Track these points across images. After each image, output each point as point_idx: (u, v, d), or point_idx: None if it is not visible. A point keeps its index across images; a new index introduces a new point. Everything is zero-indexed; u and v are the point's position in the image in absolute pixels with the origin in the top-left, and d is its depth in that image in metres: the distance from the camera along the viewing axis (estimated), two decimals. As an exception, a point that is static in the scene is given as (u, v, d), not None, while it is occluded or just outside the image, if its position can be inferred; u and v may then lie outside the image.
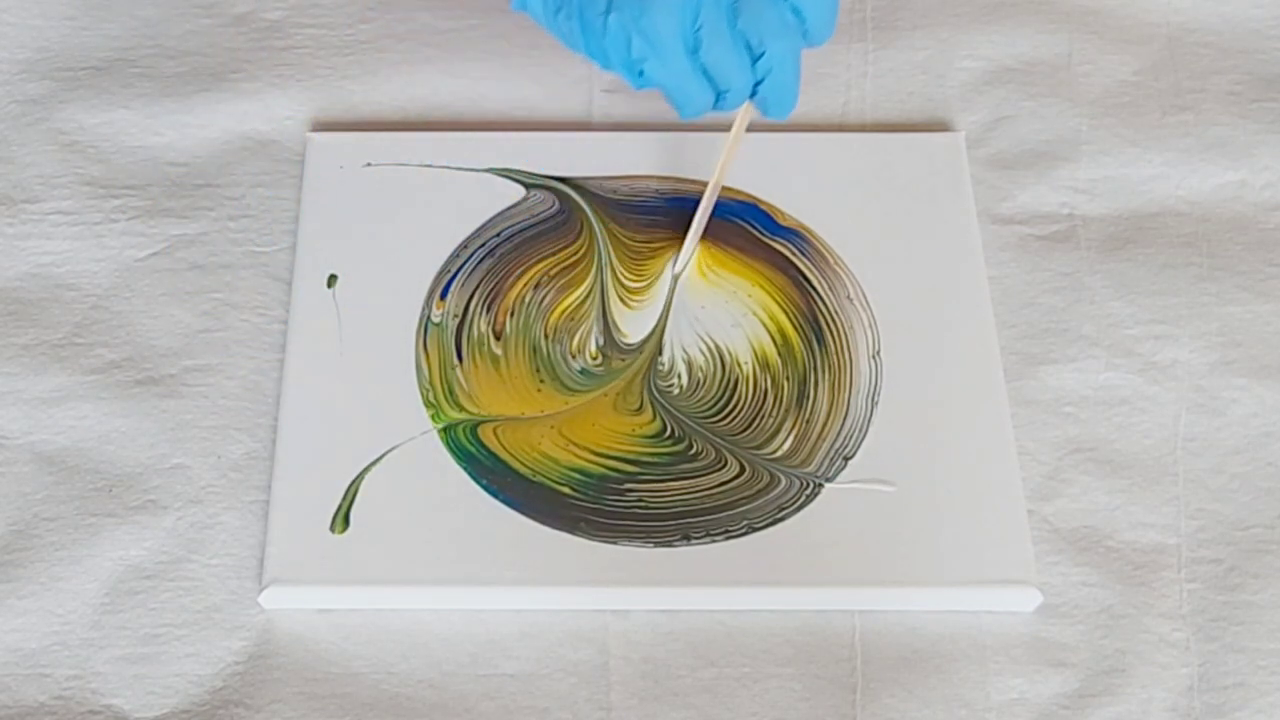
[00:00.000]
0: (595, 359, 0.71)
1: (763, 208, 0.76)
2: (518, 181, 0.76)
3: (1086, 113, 0.81)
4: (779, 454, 0.69)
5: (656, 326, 0.72)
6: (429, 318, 0.72)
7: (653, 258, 0.74)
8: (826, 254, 0.75)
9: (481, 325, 0.72)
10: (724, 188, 0.75)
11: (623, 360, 0.71)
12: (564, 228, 0.75)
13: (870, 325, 0.72)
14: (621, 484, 0.68)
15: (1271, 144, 0.79)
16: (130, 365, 0.72)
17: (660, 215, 0.75)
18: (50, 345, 0.72)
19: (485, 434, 0.69)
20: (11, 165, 0.77)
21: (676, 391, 0.71)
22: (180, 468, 0.69)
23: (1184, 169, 0.79)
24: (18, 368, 0.71)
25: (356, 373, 0.70)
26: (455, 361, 0.71)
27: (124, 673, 0.65)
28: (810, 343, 0.72)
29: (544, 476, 0.68)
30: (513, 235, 0.75)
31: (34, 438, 0.70)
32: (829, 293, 0.73)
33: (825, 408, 0.70)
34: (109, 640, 0.65)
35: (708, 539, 0.67)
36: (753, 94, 0.66)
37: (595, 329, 0.72)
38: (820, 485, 0.68)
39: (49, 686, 0.64)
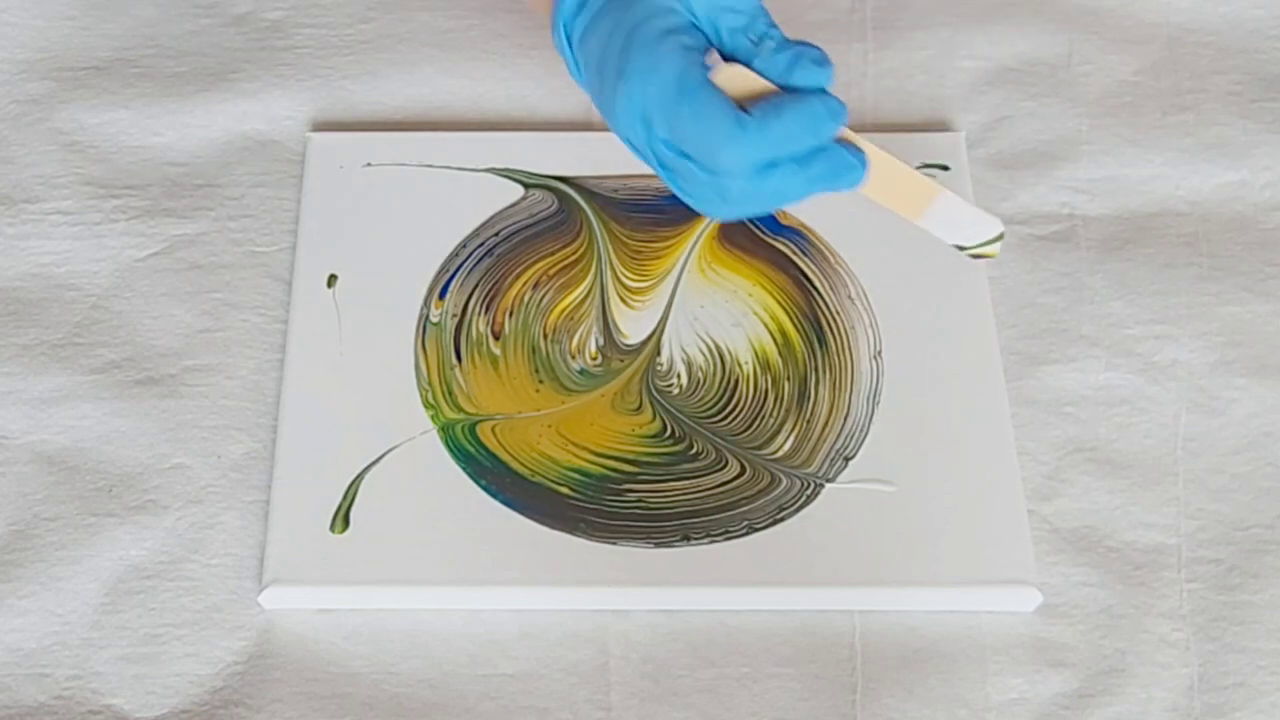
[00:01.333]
0: (595, 359, 0.71)
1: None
2: (517, 181, 0.76)
3: (1086, 113, 0.80)
4: (779, 454, 0.69)
5: (656, 326, 0.72)
6: (428, 317, 0.72)
7: (654, 258, 0.74)
8: (827, 253, 0.74)
9: (480, 325, 0.72)
10: None
11: (622, 360, 0.71)
12: (563, 227, 0.75)
13: (871, 325, 0.72)
14: (621, 484, 0.68)
15: (1271, 144, 0.79)
16: (130, 365, 0.72)
17: (660, 215, 0.75)
18: (50, 345, 0.72)
19: (484, 434, 0.69)
20: (11, 165, 0.77)
21: (676, 391, 0.70)
22: (180, 468, 0.69)
23: (1184, 169, 0.79)
24: (18, 368, 0.71)
25: (356, 373, 0.70)
26: (454, 361, 0.71)
27: (124, 673, 0.64)
28: (811, 342, 0.72)
29: (543, 476, 0.68)
30: (511, 235, 0.75)
31: (34, 438, 0.70)
32: (830, 292, 0.73)
33: (826, 408, 0.70)
34: (109, 640, 0.65)
35: (708, 539, 0.66)
36: None
37: (595, 329, 0.72)
38: (820, 485, 0.68)
39: (49, 686, 0.64)
